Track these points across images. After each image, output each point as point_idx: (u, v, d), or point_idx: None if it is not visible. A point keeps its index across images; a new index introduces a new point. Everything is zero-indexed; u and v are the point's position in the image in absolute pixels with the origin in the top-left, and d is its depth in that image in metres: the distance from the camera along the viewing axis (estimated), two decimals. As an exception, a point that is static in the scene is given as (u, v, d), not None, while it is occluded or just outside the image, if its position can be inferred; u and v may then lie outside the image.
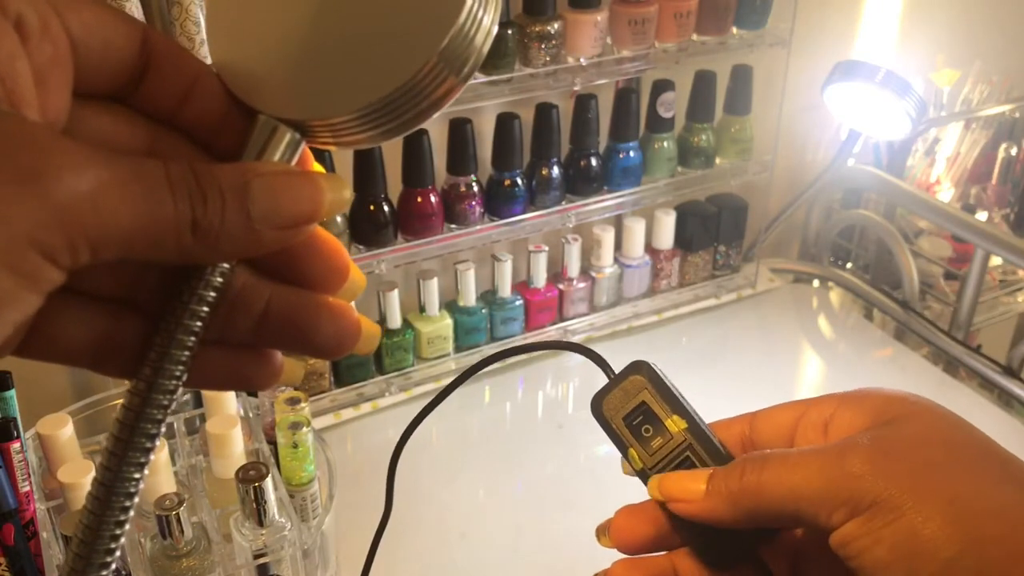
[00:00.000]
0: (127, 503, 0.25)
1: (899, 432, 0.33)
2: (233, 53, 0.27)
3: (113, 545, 0.26)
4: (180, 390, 0.26)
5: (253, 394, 0.83)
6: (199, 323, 0.26)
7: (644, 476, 0.38)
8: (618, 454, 0.39)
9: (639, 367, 0.39)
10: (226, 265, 0.26)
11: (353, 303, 0.30)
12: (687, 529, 0.37)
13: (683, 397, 0.38)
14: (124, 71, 0.26)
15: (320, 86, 0.26)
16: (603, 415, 0.39)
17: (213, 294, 0.26)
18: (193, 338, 0.26)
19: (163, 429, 0.26)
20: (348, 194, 0.27)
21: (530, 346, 0.45)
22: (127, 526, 0.26)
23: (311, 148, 0.28)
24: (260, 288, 0.28)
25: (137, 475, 0.26)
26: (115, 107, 0.27)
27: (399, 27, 0.25)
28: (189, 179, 0.24)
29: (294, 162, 0.27)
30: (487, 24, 0.26)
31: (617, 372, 0.39)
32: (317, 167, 0.28)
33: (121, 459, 0.25)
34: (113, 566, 0.26)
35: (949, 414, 0.34)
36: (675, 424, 0.38)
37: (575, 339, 1.15)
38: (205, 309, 0.26)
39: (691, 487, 0.36)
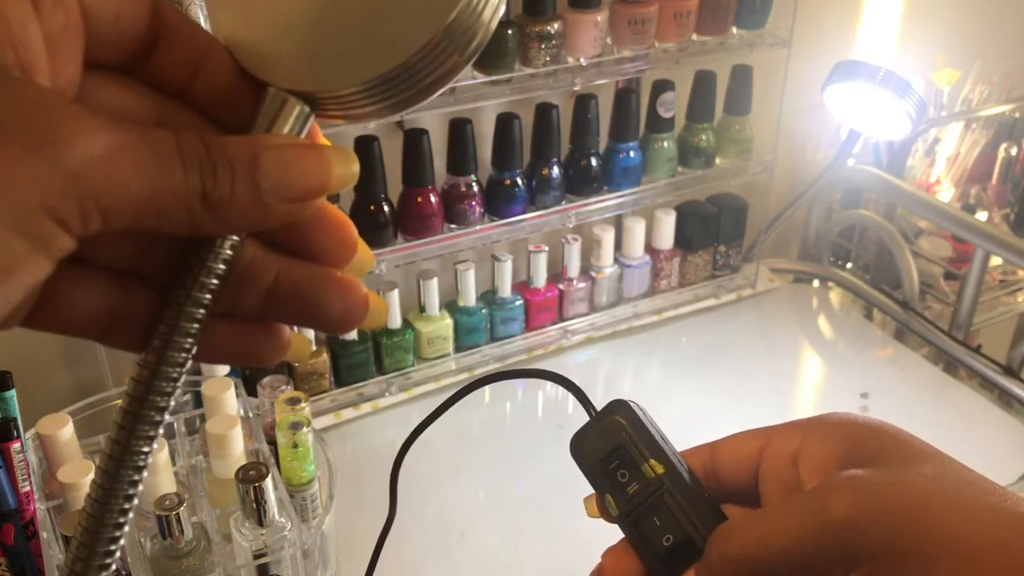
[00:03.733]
0: (136, 477, 0.25)
1: (881, 470, 0.31)
2: (242, 27, 0.27)
3: (121, 519, 0.25)
4: (189, 363, 0.26)
5: (253, 394, 0.83)
6: (209, 295, 0.26)
7: (621, 523, 0.36)
8: None
9: (619, 407, 0.37)
10: (235, 237, 0.26)
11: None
12: None
13: (664, 439, 0.37)
14: (134, 42, 0.26)
15: (328, 59, 0.26)
16: (582, 457, 0.37)
17: (223, 266, 0.26)
18: (203, 310, 0.26)
19: (172, 403, 0.26)
20: (356, 168, 0.27)
21: (519, 372, 0.43)
22: (135, 500, 0.26)
23: (320, 122, 0.28)
24: (269, 262, 0.27)
25: (147, 449, 0.25)
26: (125, 79, 0.26)
27: (408, 1, 0.25)
28: (199, 150, 0.24)
29: (303, 135, 0.27)
30: (495, 1, 0.26)
31: (599, 410, 0.38)
32: (325, 141, 0.28)
33: (131, 432, 0.25)
34: (121, 542, 0.25)
35: (925, 444, 0.33)
36: (652, 469, 0.36)
37: (575, 339, 1.16)
38: (215, 281, 0.26)
39: None
